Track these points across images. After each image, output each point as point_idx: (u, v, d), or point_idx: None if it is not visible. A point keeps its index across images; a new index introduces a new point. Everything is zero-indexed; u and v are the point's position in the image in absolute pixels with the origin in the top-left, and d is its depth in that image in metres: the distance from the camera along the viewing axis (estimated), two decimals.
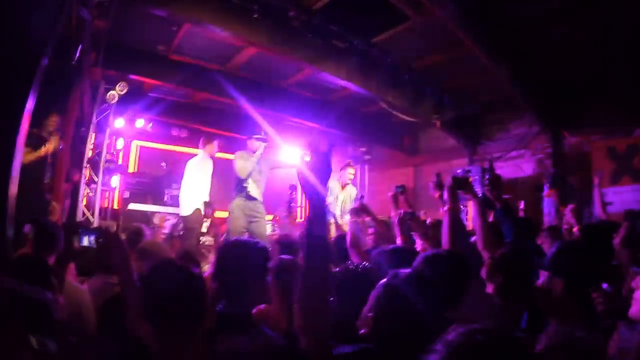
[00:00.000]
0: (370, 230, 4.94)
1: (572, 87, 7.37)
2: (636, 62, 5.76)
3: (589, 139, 7.80)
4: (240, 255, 2.26)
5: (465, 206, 7.58)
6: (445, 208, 3.05)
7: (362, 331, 1.58)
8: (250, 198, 6.26)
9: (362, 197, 6.41)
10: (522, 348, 0.86)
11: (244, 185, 6.25)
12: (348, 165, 7.47)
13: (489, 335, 0.84)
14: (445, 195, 3.09)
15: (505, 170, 8.61)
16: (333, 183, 7.19)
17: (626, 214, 4.74)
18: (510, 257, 2.53)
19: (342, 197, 7.22)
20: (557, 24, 5.65)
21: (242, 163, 6.21)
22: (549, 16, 5.50)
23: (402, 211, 3.67)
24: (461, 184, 3.23)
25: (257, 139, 6.36)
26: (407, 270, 1.67)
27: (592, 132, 7.78)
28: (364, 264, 2.41)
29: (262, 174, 6.42)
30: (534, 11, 5.44)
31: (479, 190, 7.47)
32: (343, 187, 7.28)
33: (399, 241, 3.51)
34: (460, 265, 2.34)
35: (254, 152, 6.29)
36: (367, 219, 4.90)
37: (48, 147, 5.35)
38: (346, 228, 5.56)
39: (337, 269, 2.32)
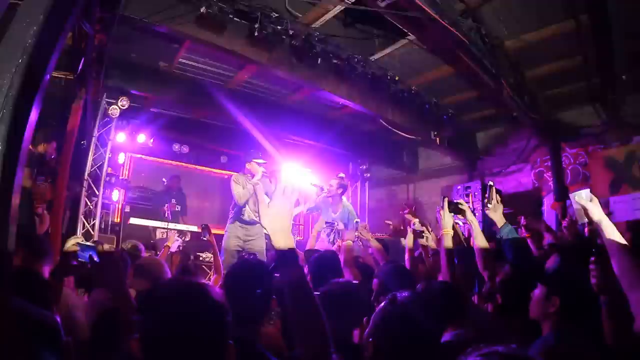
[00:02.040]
0: (370, 250, 4.94)
1: (569, 97, 7.45)
2: (631, 69, 5.81)
3: (587, 149, 7.85)
4: (248, 278, 2.25)
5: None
6: (441, 233, 3.12)
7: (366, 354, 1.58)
8: (244, 222, 6.25)
9: (356, 222, 6.29)
10: None
11: (242, 209, 6.22)
12: (337, 177, 6.90)
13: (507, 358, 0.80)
14: (440, 220, 3.16)
15: (505, 184, 8.64)
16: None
17: (628, 225, 4.72)
18: (508, 279, 2.58)
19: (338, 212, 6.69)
20: (553, 34, 5.73)
21: (239, 189, 6.14)
22: (545, 26, 5.61)
23: (412, 228, 3.68)
24: (456, 208, 3.30)
25: (257, 164, 6.32)
26: (405, 293, 1.67)
27: (589, 143, 7.84)
28: (346, 281, 2.47)
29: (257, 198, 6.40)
30: (530, 21, 5.54)
31: (479, 205, 7.56)
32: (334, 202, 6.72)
33: (406, 256, 3.52)
34: (452, 293, 2.38)
35: (252, 176, 6.24)
36: (365, 239, 4.90)
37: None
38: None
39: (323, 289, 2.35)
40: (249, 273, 2.29)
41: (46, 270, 2.89)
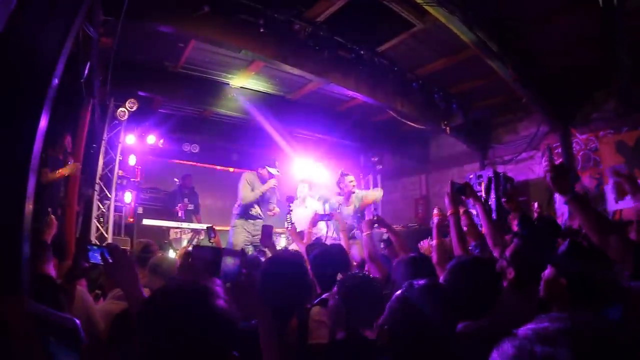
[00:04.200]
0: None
1: (577, 83, 7.33)
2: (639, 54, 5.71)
3: (598, 134, 7.75)
4: (285, 274, 2.29)
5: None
6: (449, 213, 3.14)
7: (380, 343, 1.57)
8: (252, 217, 6.37)
9: (375, 209, 6.30)
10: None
11: (250, 207, 6.35)
12: (343, 175, 6.77)
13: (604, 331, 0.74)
14: (447, 202, 3.17)
15: (517, 172, 8.57)
16: (334, 198, 6.59)
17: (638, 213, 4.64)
18: (521, 251, 2.56)
19: (349, 209, 6.60)
20: (559, 22, 5.63)
21: (246, 193, 6.27)
22: (551, 14, 5.51)
23: (440, 217, 3.66)
24: (461, 190, 3.32)
25: (270, 174, 6.35)
26: (422, 281, 1.65)
27: (600, 128, 7.73)
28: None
29: (264, 199, 6.49)
30: (536, 9, 5.45)
31: (492, 194, 7.51)
32: (348, 198, 6.59)
33: (434, 243, 3.50)
34: (487, 274, 2.32)
35: (264, 180, 6.34)
36: (383, 230, 4.86)
37: (63, 171, 5.45)
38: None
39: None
40: (286, 269, 2.32)
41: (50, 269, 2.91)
